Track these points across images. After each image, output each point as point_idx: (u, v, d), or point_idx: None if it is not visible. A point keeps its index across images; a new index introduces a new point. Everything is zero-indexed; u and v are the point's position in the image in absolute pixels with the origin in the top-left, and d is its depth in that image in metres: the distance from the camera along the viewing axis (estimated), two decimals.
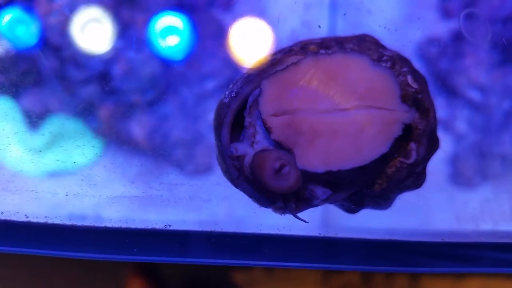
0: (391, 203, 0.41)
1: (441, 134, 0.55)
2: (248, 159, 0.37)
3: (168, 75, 0.55)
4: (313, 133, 0.36)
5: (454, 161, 0.55)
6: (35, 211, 0.48)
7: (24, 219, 0.48)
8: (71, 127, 0.52)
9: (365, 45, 0.39)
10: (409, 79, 0.39)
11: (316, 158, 0.36)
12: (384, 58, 0.39)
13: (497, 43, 0.54)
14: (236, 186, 0.39)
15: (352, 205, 0.41)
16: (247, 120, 0.38)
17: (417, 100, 0.38)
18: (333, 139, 0.36)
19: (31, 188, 0.50)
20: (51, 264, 0.63)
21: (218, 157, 0.40)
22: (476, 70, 0.55)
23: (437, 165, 0.55)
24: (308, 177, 0.36)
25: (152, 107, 0.54)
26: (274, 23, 0.54)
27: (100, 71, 0.54)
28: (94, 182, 0.50)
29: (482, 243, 0.48)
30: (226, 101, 0.39)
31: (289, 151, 0.36)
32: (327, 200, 0.38)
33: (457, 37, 0.55)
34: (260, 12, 0.54)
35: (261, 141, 0.37)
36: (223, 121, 0.39)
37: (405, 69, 0.39)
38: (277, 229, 0.46)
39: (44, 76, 0.53)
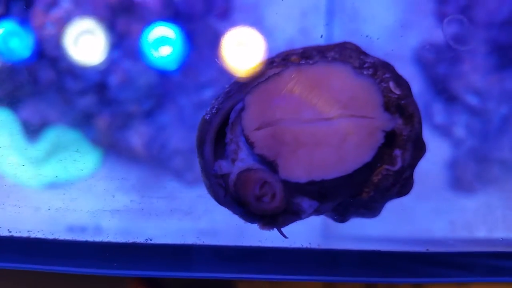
0: (379, 211, 0.41)
1: (439, 140, 0.55)
2: (232, 178, 0.37)
3: (165, 85, 0.54)
4: (296, 143, 0.36)
5: (453, 166, 0.55)
6: (33, 224, 0.48)
7: (25, 234, 0.47)
8: (68, 138, 0.52)
9: (346, 53, 0.39)
10: (391, 85, 0.39)
11: (299, 168, 0.36)
12: (366, 65, 0.39)
13: (494, 48, 0.54)
14: (222, 204, 0.39)
15: (338, 215, 0.41)
16: (228, 136, 0.38)
17: (400, 106, 0.38)
18: (316, 148, 0.36)
19: (30, 200, 0.50)
20: (49, 277, 0.62)
21: (202, 175, 0.40)
22: (473, 75, 0.55)
23: (435, 171, 0.54)
24: (293, 188, 0.36)
25: (150, 117, 0.54)
26: (270, 31, 0.54)
27: (97, 82, 0.54)
28: (92, 193, 0.50)
29: (481, 252, 0.48)
30: (208, 117, 0.39)
31: (272, 163, 0.36)
32: (315, 212, 0.38)
33: (454, 42, 0.55)
34: (257, 21, 0.54)
35: (245, 159, 0.37)
36: (205, 138, 0.39)
37: (387, 75, 0.39)
38: (272, 242, 0.46)
39: (41, 88, 0.53)
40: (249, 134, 0.36)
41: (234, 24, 0.54)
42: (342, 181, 0.36)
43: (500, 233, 0.51)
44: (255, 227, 0.40)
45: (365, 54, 0.40)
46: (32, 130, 0.52)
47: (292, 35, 0.54)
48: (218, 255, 0.46)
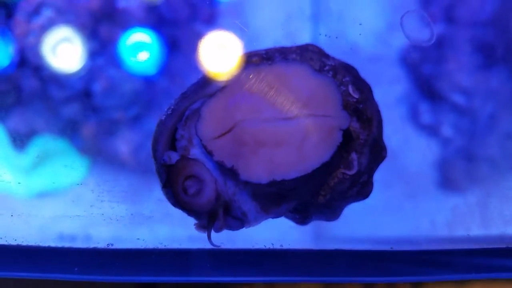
0: (339, 213, 0.41)
1: (427, 139, 0.55)
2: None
3: (151, 91, 0.55)
4: (257, 142, 0.36)
5: (442, 166, 0.55)
6: (24, 233, 0.48)
7: (12, 242, 0.47)
8: (57, 146, 0.52)
9: (307, 55, 0.39)
10: (350, 88, 0.39)
11: (259, 168, 0.36)
12: (326, 68, 0.39)
13: (479, 47, 0.55)
14: (167, 196, 0.39)
15: (299, 216, 0.41)
16: (179, 132, 0.38)
17: (358, 110, 0.38)
18: (276, 148, 0.36)
19: (19, 209, 0.50)
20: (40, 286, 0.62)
21: (156, 174, 0.40)
22: (459, 74, 0.55)
23: (425, 171, 0.55)
24: (252, 190, 0.36)
25: (136, 124, 0.54)
26: (256, 36, 0.54)
27: (81, 90, 0.54)
28: (82, 201, 0.50)
29: (475, 249, 0.48)
30: (163, 118, 0.39)
31: (231, 169, 0.36)
32: (270, 217, 0.38)
33: (439, 42, 0.55)
34: (242, 25, 0.55)
35: (196, 154, 0.37)
36: (159, 139, 0.39)
37: (347, 78, 0.39)
38: (272, 244, 0.46)
39: (26, 97, 0.53)
40: (207, 143, 0.36)
41: (219, 29, 0.54)
42: (300, 182, 0.36)
43: (493, 230, 0.51)
44: (247, 231, 0.40)
45: (326, 56, 0.40)
46: (19, 140, 0.52)
47: (278, 39, 0.54)
48: (213, 259, 0.46)
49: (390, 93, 0.55)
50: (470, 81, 0.55)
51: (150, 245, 0.46)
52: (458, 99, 0.55)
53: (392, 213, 0.51)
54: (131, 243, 0.47)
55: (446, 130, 0.55)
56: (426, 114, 0.56)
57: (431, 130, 0.55)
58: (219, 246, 0.38)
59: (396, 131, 0.54)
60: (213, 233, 0.38)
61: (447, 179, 0.54)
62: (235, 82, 0.37)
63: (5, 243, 0.46)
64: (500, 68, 0.55)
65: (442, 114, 0.55)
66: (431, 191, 0.54)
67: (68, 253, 0.47)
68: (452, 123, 0.55)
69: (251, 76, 0.37)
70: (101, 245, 0.46)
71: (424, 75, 0.56)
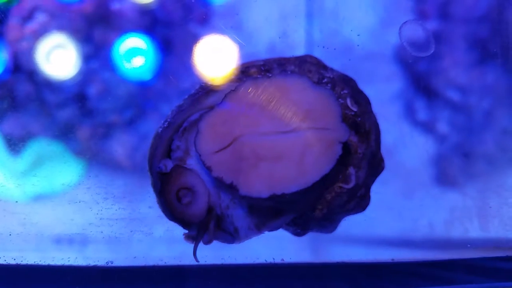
0: (336, 226, 0.41)
1: (423, 136, 0.55)
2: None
3: (146, 93, 0.54)
4: (256, 157, 0.36)
5: (438, 162, 0.55)
6: (21, 237, 0.48)
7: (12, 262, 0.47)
8: (51, 150, 0.52)
9: (306, 66, 0.39)
10: (348, 101, 0.38)
11: (259, 183, 0.35)
12: (325, 80, 0.39)
13: (473, 43, 0.55)
14: (162, 209, 0.39)
15: (298, 229, 0.40)
16: (175, 143, 0.38)
17: (356, 123, 0.38)
18: (276, 162, 0.35)
19: (16, 213, 0.50)
20: None
21: (152, 187, 0.40)
22: (454, 71, 0.55)
23: (421, 167, 0.55)
24: (249, 203, 0.36)
25: (132, 126, 0.54)
26: (251, 36, 0.54)
27: (76, 93, 0.54)
28: (77, 204, 0.50)
29: (475, 258, 0.48)
30: (159, 131, 0.39)
31: (230, 185, 0.36)
32: (268, 230, 0.38)
33: (434, 39, 0.55)
34: (237, 25, 0.54)
35: (192, 164, 0.37)
36: (155, 152, 0.39)
37: (345, 91, 0.39)
38: (273, 258, 0.46)
39: (21, 101, 0.53)
40: (206, 158, 0.36)
41: (213, 29, 0.54)
42: (299, 195, 0.35)
43: (491, 230, 0.51)
44: (246, 245, 0.40)
45: (324, 68, 0.39)
46: (15, 144, 0.52)
47: (272, 39, 0.54)
48: (209, 275, 0.46)
49: (385, 90, 0.55)
50: (466, 78, 0.55)
51: (150, 262, 0.46)
52: (454, 95, 0.55)
53: (389, 212, 0.51)
54: (130, 261, 0.46)
55: (442, 127, 0.55)
56: (421, 111, 0.56)
57: (427, 127, 0.55)
58: (198, 262, 0.38)
59: (392, 128, 0.54)
60: (212, 247, 0.38)
61: (444, 175, 0.55)
62: (234, 96, 0.36)
63: (4, 262, 0.46)
64: (495, 64, 0.55)
65: (438, 110, 0.55)
66: (428, 188, 0.54)
67: (68, 272, 0.46)
68: (448, 119, 0.55)
69: (249, 90, 0.36)
70: (101, 263, 0.46)
71: (419, 72, 0.56)
